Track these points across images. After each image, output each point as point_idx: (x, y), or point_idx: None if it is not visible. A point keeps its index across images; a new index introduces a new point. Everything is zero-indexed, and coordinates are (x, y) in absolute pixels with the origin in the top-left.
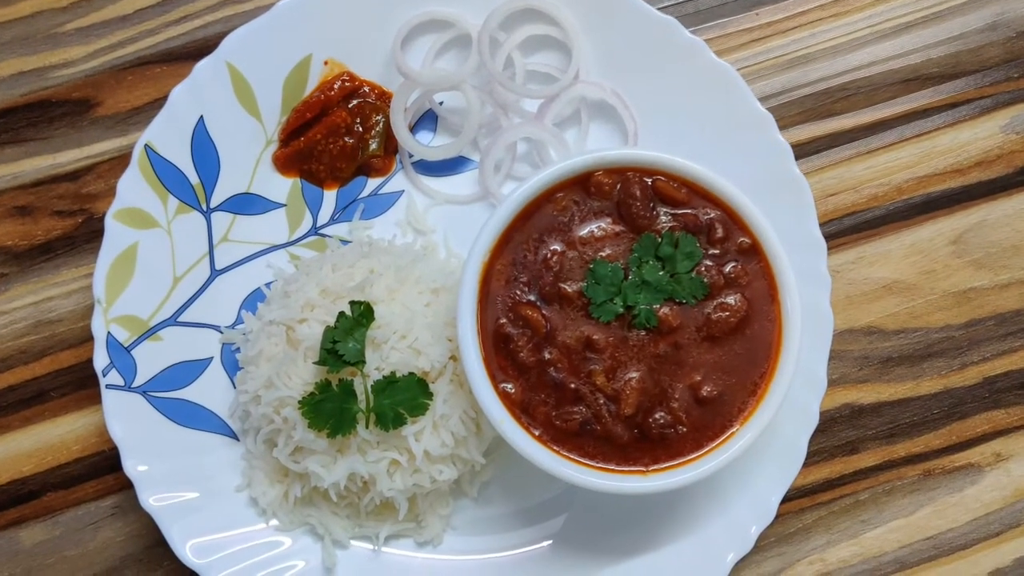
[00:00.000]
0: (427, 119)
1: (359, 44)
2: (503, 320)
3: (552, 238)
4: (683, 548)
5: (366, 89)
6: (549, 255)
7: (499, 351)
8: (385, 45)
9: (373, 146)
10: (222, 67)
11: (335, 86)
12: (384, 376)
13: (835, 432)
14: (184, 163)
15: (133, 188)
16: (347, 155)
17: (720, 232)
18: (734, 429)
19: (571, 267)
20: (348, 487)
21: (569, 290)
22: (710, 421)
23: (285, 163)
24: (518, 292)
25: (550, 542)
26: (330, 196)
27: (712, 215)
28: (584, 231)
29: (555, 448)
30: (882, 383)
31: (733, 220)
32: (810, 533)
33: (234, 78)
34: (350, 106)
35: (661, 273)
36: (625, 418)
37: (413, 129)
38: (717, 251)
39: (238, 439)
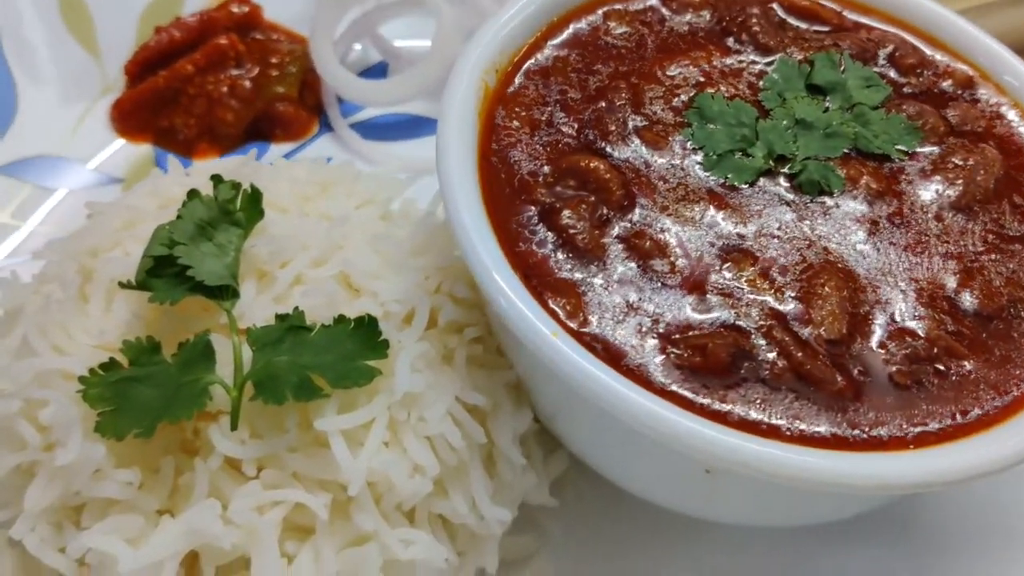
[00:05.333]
0: (374, 75)
1: None
2: (533, 178)
3: (608, 65)
4: None
5: (274, 36)
6: (608, 84)
7: (529, 234)
8: None
9: (281, 88)
10: None
11: (226, 10)
12: (279, 317)
13: None
14: None
15: None
16: (238, 98)
17: (910, 58)
18: None
19: (652, 105)
20: None
21: (658, 132)
22: (1011, 346)
23: (129, 115)
24: (559, 137)
25: None
26: None
27: (886, 32)
28: (667, 57)
29: (685, 399)
30: None
31: (928, 43)
32: None
33: None
34: (245, 40)
35: (829, 111)
36: (828, 344)
37: None
38: (911, 82)
39: None
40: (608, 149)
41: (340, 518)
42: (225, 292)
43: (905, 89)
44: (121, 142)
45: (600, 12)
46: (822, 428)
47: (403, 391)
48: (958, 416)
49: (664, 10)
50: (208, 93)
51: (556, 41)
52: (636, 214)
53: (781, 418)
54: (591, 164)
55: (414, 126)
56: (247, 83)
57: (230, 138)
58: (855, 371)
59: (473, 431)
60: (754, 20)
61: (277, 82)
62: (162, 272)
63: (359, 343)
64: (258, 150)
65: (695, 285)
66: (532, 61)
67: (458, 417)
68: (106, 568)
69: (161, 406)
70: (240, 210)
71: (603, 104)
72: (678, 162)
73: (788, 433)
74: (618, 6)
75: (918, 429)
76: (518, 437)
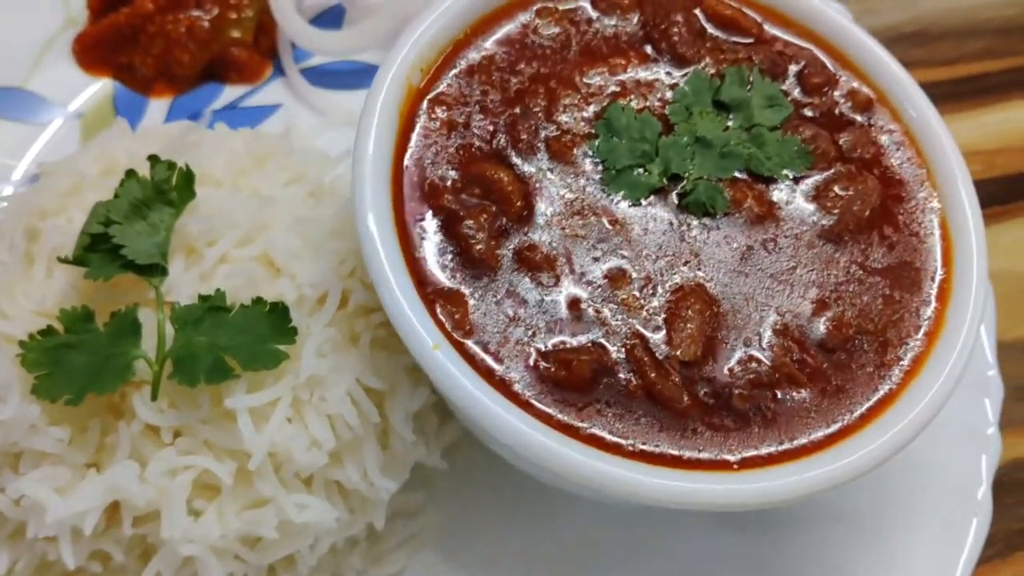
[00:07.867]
0: (330, 17)
1: None
2: (443, 183)
3: (531, 66)
4: None
5: None
6: (528, 87)
7: (430, 241)
8: None
9: (237, 32)
10: None
11: None
12: (202, 297)
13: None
14: None
15: None
16: (195, 40)
17: (817, 76)
18: (886, 389)
19: (566, 113)
20: (106, 545)
21: (566, 142)
22: (848, 378)
23: (90, 50)
24: (472, 141)
25: None
26: (159, 107)
27: (801, 48)
28: (588, 62)
29: (546, 413)
30: None
31: (838, 62)
32: None
33: None
34: None
35: (730, 129)
36: (681, 365)
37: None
38: (814, 102)
39: None
40: (515, 158)
41: (243, 483)
42: (154, 270)
43: (806, 110)
44: (83, 76)
45: (533, 8)
46: (660, 447)
47: (308, 374)
48: (784, 442)
49: (592, 11)
50: (167, 33)
51: (485, 37)
52: (533, 226)
53: (626, 435)
54: (496, 174)
55: (364, 74)
56: (205, 23)
57: (186, 79)
58: (702, 392)
59: (369, 411)
60: (675, 29)
61: (235, 26)
62: (97, 249)
63: (271, 328)
64: (212, 91)
65: (574, 301)
66: (458, 58)
67: (356, 397)
68: (36, 514)
69: (90, 376)
70: (174, 189)
71: (519, 109)
72: (579, 176)
73: (630, 450)
74: (550, 4)
75: (746, 453)
76: (411, 416)
